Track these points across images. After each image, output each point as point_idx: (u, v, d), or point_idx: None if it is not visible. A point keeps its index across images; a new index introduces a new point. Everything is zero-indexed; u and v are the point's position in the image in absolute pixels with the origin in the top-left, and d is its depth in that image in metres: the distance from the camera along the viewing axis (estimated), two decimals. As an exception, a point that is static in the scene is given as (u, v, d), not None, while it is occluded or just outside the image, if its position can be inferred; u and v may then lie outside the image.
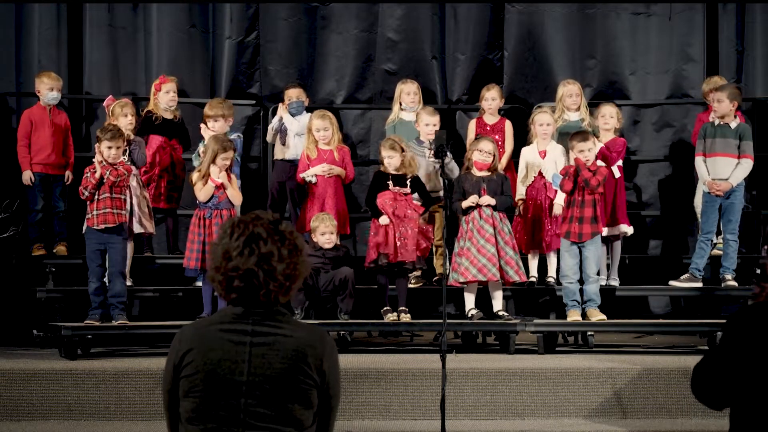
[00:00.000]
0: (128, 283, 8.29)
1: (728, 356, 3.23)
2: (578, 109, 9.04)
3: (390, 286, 8.24)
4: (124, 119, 8.45)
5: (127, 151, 8.30)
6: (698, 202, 8.81)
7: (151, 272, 9.15)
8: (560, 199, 8.29)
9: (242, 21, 10.16)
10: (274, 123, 9.14)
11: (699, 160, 8.56)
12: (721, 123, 8.46)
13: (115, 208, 7.87)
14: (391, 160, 8.22)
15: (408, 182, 8.23)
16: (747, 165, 8.47)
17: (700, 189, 8.71)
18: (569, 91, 9.01)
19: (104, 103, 8.72)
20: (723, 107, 8.42)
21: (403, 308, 8.16)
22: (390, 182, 8.22)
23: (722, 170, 8.46)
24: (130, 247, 8.42)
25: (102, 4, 9.95)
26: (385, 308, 8.21)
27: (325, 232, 8.06)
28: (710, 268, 8.83)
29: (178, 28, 10.07)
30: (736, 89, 8.66)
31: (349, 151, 8.98)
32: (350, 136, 10.22)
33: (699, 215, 8.74)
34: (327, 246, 8.05)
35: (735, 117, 8.48)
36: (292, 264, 3.17)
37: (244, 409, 3.10)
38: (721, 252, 8.70)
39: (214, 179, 8.02)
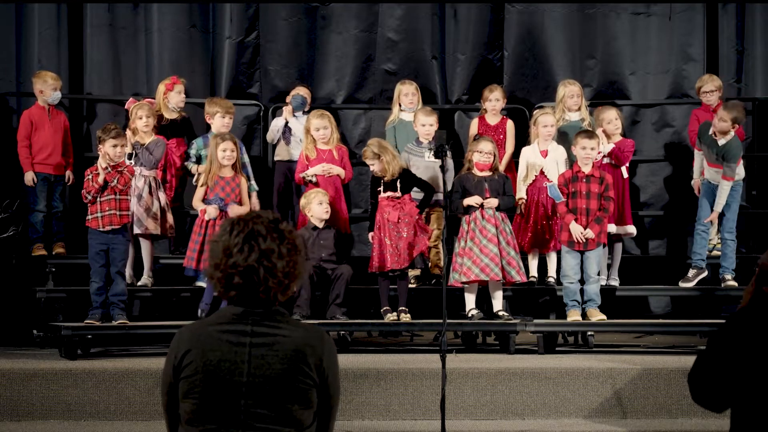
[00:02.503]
0: (148, 283, 8.47)
1: (727, 358, 3.23)
2: (579, 109, 9.05)
3: (391, 286, 8.24)
4: (140, 121, 8.45)
5: (134, 154, 8.31)
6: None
7: (151, 272, 9.14)
8: (561, 207, 8.25)
9: (242, 21, 10.16)
10: (278, 125, 9.12)
11: (698, 155, 8.64)
12: (712, 135, 8.41)
13: (119, 210, 7.89)
14: (373, 167, 8.27)
15: (398, 184, 8.21)
16: (725, 189, 8.34)
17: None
18: (571, 92, 9.02)
19: (126, 105, 8.75)
20: (724, 127, 8.30)
21: (403, 308, 8.16)
22: (380, 189, 8.22)
23: (708, 174, 8.50)
24: (149, 247, 8.50)
25: (102, 4, 9.95)
26: (385, 308, 8.20)
27: (322, 201, 8.09)
28: (710, 268, 8.82)
29: (178, 29, 10.07)
30: (743, 110, 8.54)
31: (347, 150, 8.98)
32: (350, 136, 10.23)
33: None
34: (325, 216, 8.08)
35: (730, 133, 8.33)
36: (291, 262, 3.17)
37: (244, 410, 3.10)
38: (719, 252, 8.71)
39: (211, 217, 8.02)
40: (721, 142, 8.35)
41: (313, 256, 7.98)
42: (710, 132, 8.42)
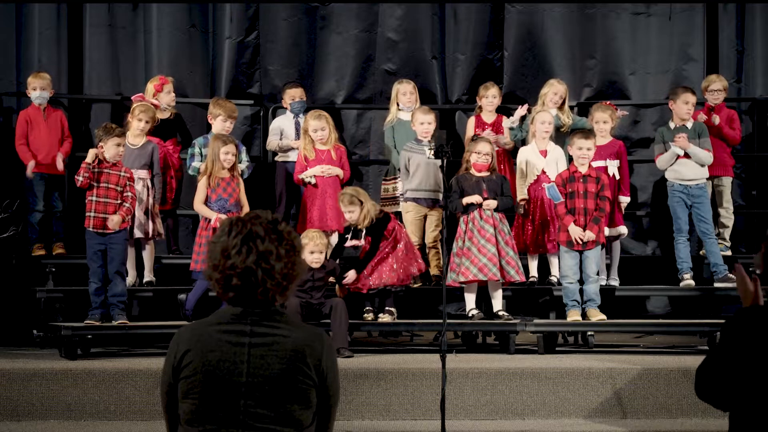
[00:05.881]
0: (152, 280, 8.54)
1: (727, 359, 3.24)
2: (561, 108, 9.04)
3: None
4: (138, 122, 8.45)
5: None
6: None
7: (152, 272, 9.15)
8: (560, 207, 8.25)
9: (242, 21, 10.16)
10: (287, 143, 9.08)
11: (659, 159, 8.70)
12: (677, 125, 8.64)
13: (107, 214, 7.87)
14: (351, 215, 8.00)
15: (362, 234, 8.07)
16: (708, 156, 8.59)
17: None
18: (557, 90, 9.04)
19: (133, 97, 8.77)
20: (690, 109, 8.64)
21: (390, 309, 8.11)
22: (349, 236, 8.10)
23: (687, 171, 8.55)
24: (150, 248, 8.54)
25: (102, 4, 9.95)
26: (366, 308, 8.16)
27: (314, 251, 7.69)
28: (709, 269, 8.82)
29: (178, 28, 10.07)
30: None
31: (345, 150, 8.97)
32: (351, 136, 10.23)
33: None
34: (315, 265, 7.71)
35: (690, 119, 8.70)
36: (290, 263, 3.17)
37: (243, 410, 3.10)
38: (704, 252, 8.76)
39: (214, 223, 7.94)
40: (689, 124, 8.63)
41: (302, 295, 7.71)
42: (673, 126, 8.65)
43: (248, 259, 3.12)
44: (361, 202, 8.00)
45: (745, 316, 3.27)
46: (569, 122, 9.04)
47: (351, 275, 7.98)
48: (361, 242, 8.06)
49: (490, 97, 9.13)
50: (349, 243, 8.11)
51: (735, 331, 3.25)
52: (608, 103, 9.09)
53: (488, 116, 9.18)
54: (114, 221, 7.85)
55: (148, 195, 8.49)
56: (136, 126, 8.46)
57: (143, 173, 8.47)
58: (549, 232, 8.53)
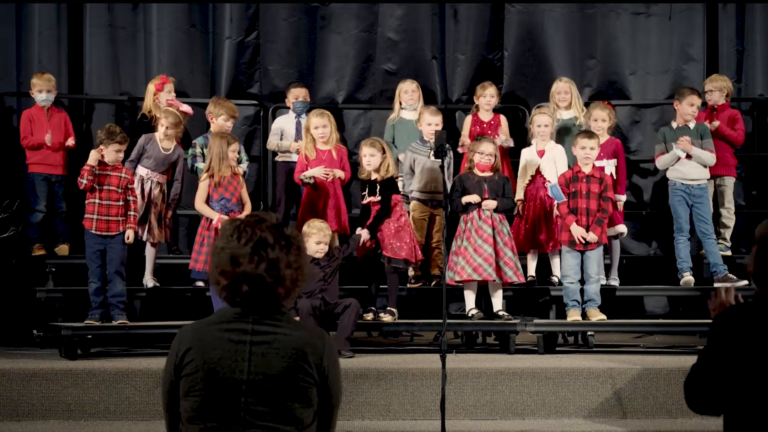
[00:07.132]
0: (150, 285, 8.44)
1: (716, 359, 3.25)
2: (569, 107, 9.05)
3: (382, 286, 8.19)
4: (161, 128, 8.43)
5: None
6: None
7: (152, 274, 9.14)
8: (562, 207, 8.24)
9: (242, 21, 10.16)
10: (287, 144, 9.09)
11: (659, 159, 8.69)
12: (680, 126, 8.65)
13: (119, 216, 7.89)
14: (373, 159, 8.10)
15: (378, 188, 8.10)
16: (710, 157, 8.59)
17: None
18: (558, 88, 9.07)
19: (167, 100, 8.80)
20: (695, 111, 8.63)
21: (390, 309, 8.11)
22: (365, 192, 8.16)
23: (689, 171, 8.56)
24: (153, 251, 8.50)
25: (102, 4, 9.95)
26: (369, 307, 8.15)
27: (320, 241, 7.69)
28: (709, 269, 8.83)
29: (178, 28, 10.08)
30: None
31: (347, 151, 8.96)
32: (350, 137, 10.23)
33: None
34: (318, 255, 7.68)
35: (692, 121, 8.71)
36: (298, 268, 3.20)
37: (244, 408, 3.10)
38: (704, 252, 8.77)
39: (216, 223, 7.91)
40: (692, 125, 8.64)
41: (311, 289, 7.66)
42: (675, 126, 8.66)
43: (259, 267, 3.14)
44: (384, 150, 8.11)
45: (727, 316, 3.30)
46: (583, 118, 8.98)
47: (365, 234, 8.02)
48: (378, 198, 8.08)
49: (487, 97, 9.15)
50: (365, 200, 8.14)
51: (720, 331, 3.27)
52: (605, 102, 9.10)
53: (485, 115, 9.19)
54: (131, 238, 7.96)
55: (162, 200, 8.48)
56: (160, 131, 8.46)
57: (162, 178, 8.47)
58: (544, 231, 8.52)
